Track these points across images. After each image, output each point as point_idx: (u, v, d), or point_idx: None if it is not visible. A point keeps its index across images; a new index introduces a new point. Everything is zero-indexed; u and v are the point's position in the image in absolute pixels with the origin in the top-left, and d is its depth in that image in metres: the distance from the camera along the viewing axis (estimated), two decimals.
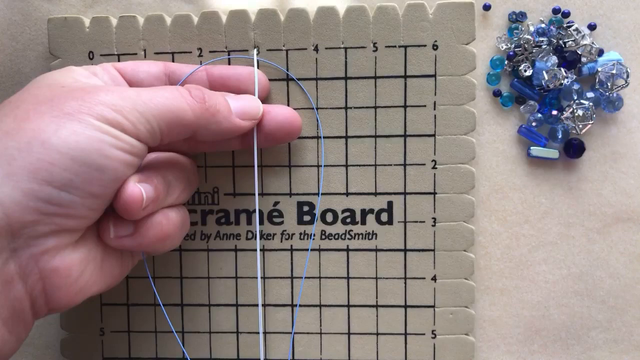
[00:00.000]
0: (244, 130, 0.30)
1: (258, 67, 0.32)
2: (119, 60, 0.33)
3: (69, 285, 0.26)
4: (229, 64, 0.32)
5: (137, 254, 0.30)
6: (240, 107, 0.30)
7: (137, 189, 0.26)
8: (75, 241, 0.26)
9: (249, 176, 0.33)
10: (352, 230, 0.33)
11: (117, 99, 0.26)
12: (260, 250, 0.33)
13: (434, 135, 0.32)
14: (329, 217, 0.33)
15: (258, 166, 0.33)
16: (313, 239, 0.33)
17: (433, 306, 0.33)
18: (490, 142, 0.34)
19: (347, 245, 0.33)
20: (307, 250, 0.33)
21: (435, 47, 0.32)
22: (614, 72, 0.32)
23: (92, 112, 0.25)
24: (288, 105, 0.33)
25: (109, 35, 0.33)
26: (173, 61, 0.33)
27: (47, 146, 0.24)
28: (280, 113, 0.31)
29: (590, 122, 0.33)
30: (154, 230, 0.28)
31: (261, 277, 0.34)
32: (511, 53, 0.33)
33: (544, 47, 0.33)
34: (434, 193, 0.33)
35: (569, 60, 0.33)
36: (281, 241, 0.34)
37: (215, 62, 0.32)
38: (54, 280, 0.25)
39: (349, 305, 0.34)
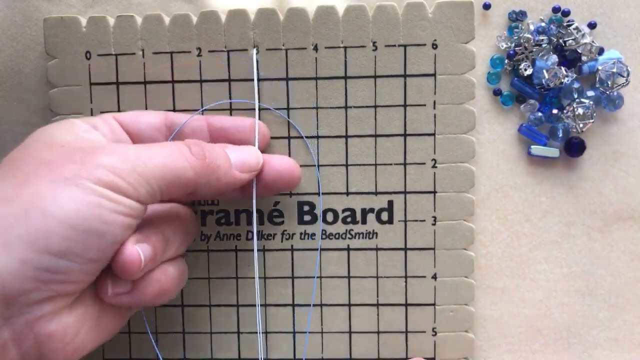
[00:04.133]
0: (243, 182, 0.30)
1: (258, 67, 0.33)
2: (116, 61, 0.33)
3: (65, 346, 0.26)
4: (229, 63, 0.33)
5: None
6: (240, 160, 0.30)
7: (135, 252, 0.27)
8: (71, 303, 0.26)
9: None
10: (352, 230, 0.34)
11: (116, 160, 0.26)
12: (261, 250, 0.34)
13: (433, 134, 0.33)
14: (330, 216, 0.34)
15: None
16: (313, 239, 0.34)
17: (433, 304, 0.34)
18: (490, 141, 0.35)
19: (348, 245, 0.34)
20: (307, 250, 0.34)
21: (434, 46, 0.32)
22: (614, 70, 0.33)
23: (91, 177, 0.25)
24: (288, 105, 0.33)
25: (106, 35, 0.33)
26: (172, 61, 0.33)
27: (46, 215, 0.24)
28: (279, 163, 0.32)
29: (591, 121, 0.33)
30: (152, 287, 0.28)
31: (262, 277, 0.34)
32: (511, 52, 0.34)
33: (544, 45, 0.33)
34: (434, 192, 0.33)
35: (569, 59, 0.34)
36: (281, 241, 0.34)
37: (215, 108, 0.33)
38: (49, 344, 0.25)
39: (350, 304, 0.34)
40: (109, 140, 0.30)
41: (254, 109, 0.33)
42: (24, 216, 0.24)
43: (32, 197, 0.24)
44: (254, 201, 0.32)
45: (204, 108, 0.33)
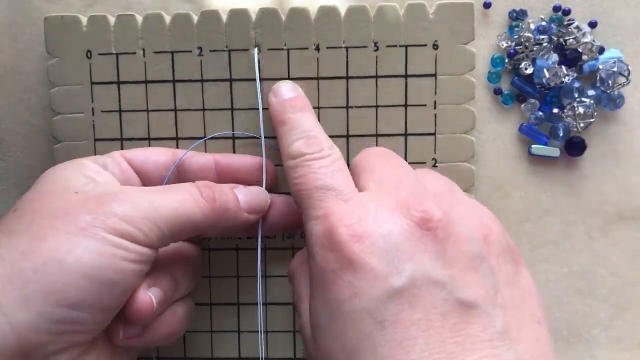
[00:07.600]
0: (251, 223, 0.32)
1: (259, 68, 0.33)
2: (117, 60, 0.34)
3: None
4: (230, 63, 0.34)
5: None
6: (248, 202, 0.31)
7: (148, 298, 0.28)
8: (85, 350, 0.27)
9: None
10: None
11: (129, 209, 0.27)
12: (262, 249, 0.35)
13: (434, 134, 0.34)
14: None
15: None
16: None
17: None
18: (491, 140, 0.35)
19: None
20: None
21: (435, 47, 0.33)
22: (615, 69, 0.34)
23: (106, 227, 0.26)
24: None
25: (107, 35, 0.34)
26: (173, 60, 0.34)
27: (62, 267, 0.25)
28: (286, 204, 0.33)
29: (592, 120, 0.34)
30: (162, 329, 0.30)
31: (263, 276, 0.35)
32: (512, 51, 0.34)
33: (545, 45, 0.34)
34: None
35: (570, 58, 0.34)
36: (283, 240, 0.36)
37: (223, 149, 0.35)
38: None
39: None
40: (119, 181, 0.31)
41: (257, 107, 0.34)
42: (41, 269, 0.25)
43: (50, 250, 0.26)
44: (259, 241, 0.33)
45: (207, 137, 0.34)
